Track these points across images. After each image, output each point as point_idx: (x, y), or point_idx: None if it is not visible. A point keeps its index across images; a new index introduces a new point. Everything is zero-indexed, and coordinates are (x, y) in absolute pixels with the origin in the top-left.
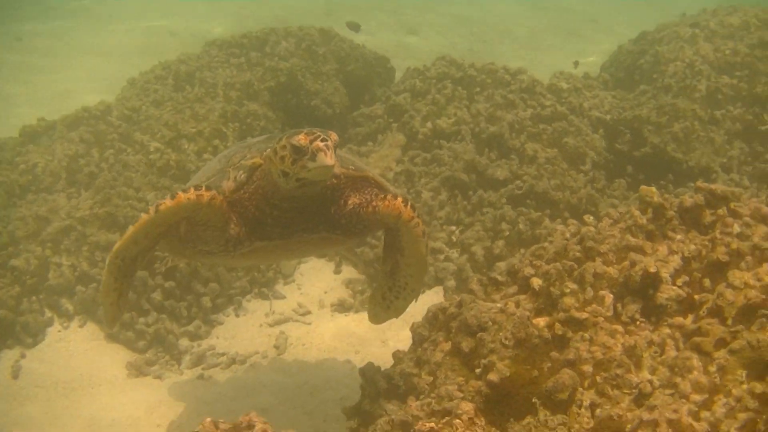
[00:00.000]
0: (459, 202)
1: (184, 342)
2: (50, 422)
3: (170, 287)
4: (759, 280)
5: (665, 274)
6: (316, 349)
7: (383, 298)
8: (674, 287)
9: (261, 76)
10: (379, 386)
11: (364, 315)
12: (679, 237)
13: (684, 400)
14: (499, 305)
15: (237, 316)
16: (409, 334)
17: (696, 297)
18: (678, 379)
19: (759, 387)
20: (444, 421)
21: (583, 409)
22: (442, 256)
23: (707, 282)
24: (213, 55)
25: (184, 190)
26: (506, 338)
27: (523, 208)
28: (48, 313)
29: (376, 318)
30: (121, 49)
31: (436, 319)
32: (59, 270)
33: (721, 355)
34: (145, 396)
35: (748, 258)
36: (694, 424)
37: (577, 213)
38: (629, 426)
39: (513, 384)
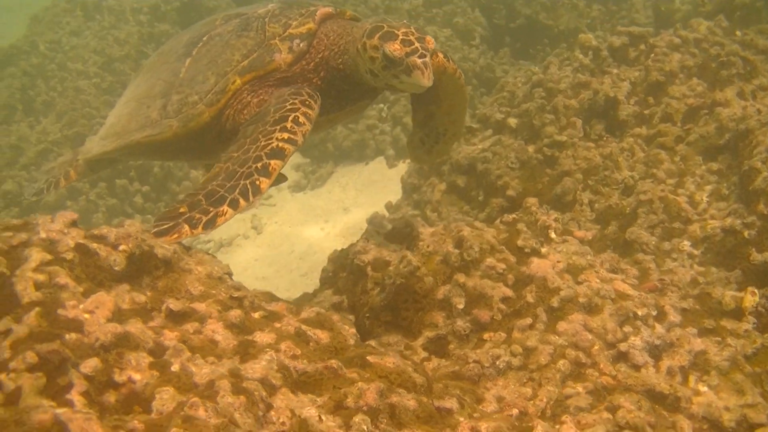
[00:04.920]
0: None
1: None
2: None
3: (147, 191)
4: (692, 90)
5: (621, 96)
6: (289, 224)
7: (422, 143)
8: (630, 105)
9: None
10: (387, 229)
11: (320, 191)
12: (615, 71)
13: (663, 184)
14: (480, 145)
15: None
16: (365, 200)
17: (645, 112)
18: (653, 170)
19: (714, 165)
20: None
21: (584, 206)
22: (377, 131)
23: (651, 99)
24: None
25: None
26: (512, 162)
27: None
28: None
29: (419, 159)
30: None
31: (422, 169)
32: None
33: (681, 148)
34: None
35: (680, 76)
36: (677, 198)
37: (481, 78)
38: (628, 209)
39: (524, 196)
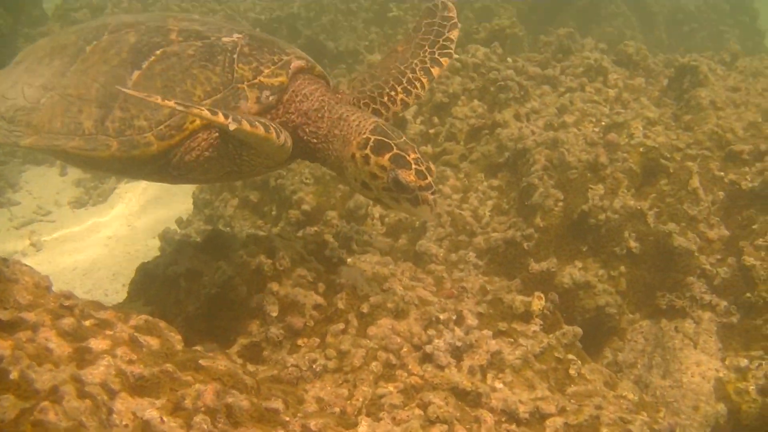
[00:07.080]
0: None
1: None
2: None
3: None
4: (474, 111)
5: (409, 116)
6: (71, 240)
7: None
8: (417, 125)
9: None
10: (195, 241)
11: (102, 206)
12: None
13: (449, 199)
14: None
15: None
16: (150, 215)
17: (431, 131)
18: (440, 186)
19: (495, 182)
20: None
21: (376, 220)
22: None
23: (436, 119)
24: None
25: (265, 127)
26: (306, 178)
27: None
28: None
29: None
30: None
31: (214, 186)
32: None
33: (464, 165)
34: None
35: (463, 98)
36: (462, 213)
37: None
38: (417, 222)
39: (318, 210)
